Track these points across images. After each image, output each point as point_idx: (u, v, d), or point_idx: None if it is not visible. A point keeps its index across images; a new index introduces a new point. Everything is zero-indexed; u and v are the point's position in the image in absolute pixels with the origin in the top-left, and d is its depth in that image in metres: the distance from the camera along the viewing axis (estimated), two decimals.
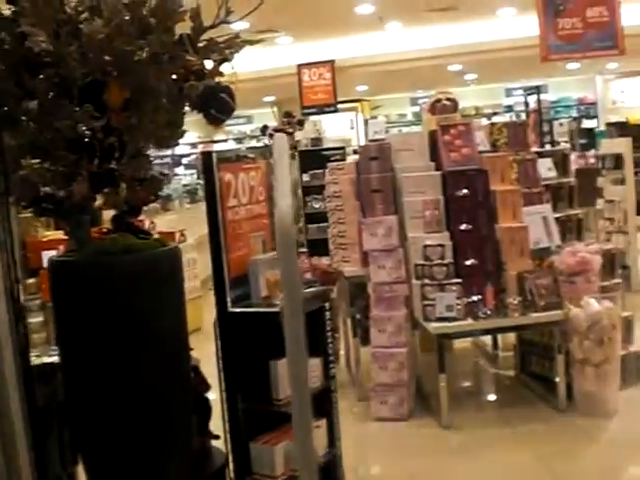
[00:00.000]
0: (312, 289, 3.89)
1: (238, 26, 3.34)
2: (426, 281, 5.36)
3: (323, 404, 3.90)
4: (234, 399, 3.76)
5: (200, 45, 3.25)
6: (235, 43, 3.28)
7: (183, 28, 3.22)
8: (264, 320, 3.63)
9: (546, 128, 17.70)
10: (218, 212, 3.73)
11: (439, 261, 5.37)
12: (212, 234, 3.75)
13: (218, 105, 3.32)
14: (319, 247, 7.63)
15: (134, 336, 3.11)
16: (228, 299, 3.74)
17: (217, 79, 3.32)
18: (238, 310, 3.75)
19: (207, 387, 3.80)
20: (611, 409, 5.28)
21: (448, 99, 6.27)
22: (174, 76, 3.22)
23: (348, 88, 16.85)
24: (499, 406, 6.01)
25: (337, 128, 18.81)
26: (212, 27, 3.26)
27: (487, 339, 6.92)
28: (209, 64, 3.31)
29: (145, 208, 3.48)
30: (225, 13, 3.25)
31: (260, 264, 3.88)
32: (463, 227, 5.50)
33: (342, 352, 6.72)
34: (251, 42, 3.36)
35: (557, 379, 5.41)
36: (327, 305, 3.84)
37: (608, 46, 8.42)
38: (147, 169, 3.30)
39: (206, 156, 3.78)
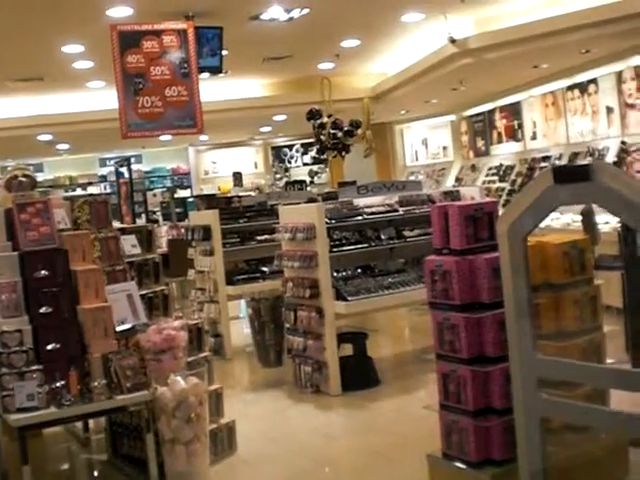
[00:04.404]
0: None
1: None
2: (4, 370, 4.99)
3: None
4: None
5: None
6: None
7: None
8: None
9: (141, 198, 18.03)
10: None
11: (18, 348, 5.03)
12: None
13: None
14: None
15: None
16: None
17: None
18: None
19: None
20: None
21: (25, 175, 6.00)
22: None
23: None
24: None
25: None
26: None
27: (78, 422, 6.63)
28: None
29: None
30: None
31: None
32: (43, 310, 5.21)
33: None
34: None
35: (148, 460, 5.29)
36: None
37: (188, 125, 8.63)
38: None
39: None
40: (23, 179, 5.97)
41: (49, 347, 5.17)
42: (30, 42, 9.73)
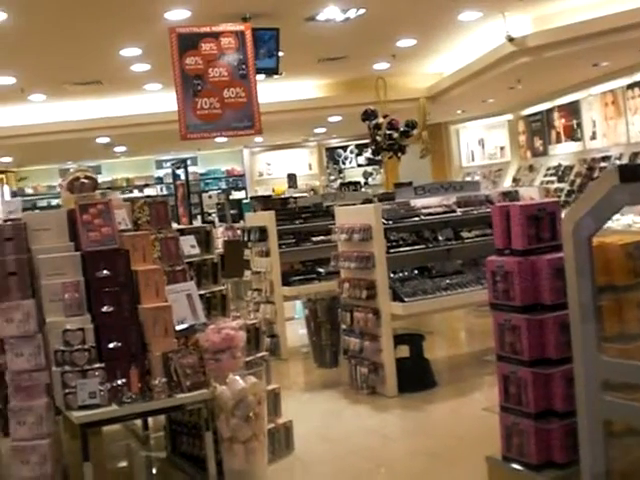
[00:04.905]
0: None
1: None
2: (67, 368, 5.07)
3: None
4: None
5: None
6: None
7: None
8: None
9: (197, 200, 18.19)
10: None
11: (80, 346, 5.10)
12: None
13: None
14: None
15: None
16: None
17: None
18: None
19: None
20: None
21: (87, 177, 6.07)
22: None
23: None
24: None
25: None
26: None
27: (137, 420, 6.71)
28: None
29: None
30: None
31: None
32: (105, 309, 5.28)
33: None
34: None
35: (207, 458, 5.33)
36: None
37: (246, 126, 8.70)
38: None
39: None
40: (85, 181, 6.05)
41: (111, 345, 5.24)
42: (88, 46, 9.90)
